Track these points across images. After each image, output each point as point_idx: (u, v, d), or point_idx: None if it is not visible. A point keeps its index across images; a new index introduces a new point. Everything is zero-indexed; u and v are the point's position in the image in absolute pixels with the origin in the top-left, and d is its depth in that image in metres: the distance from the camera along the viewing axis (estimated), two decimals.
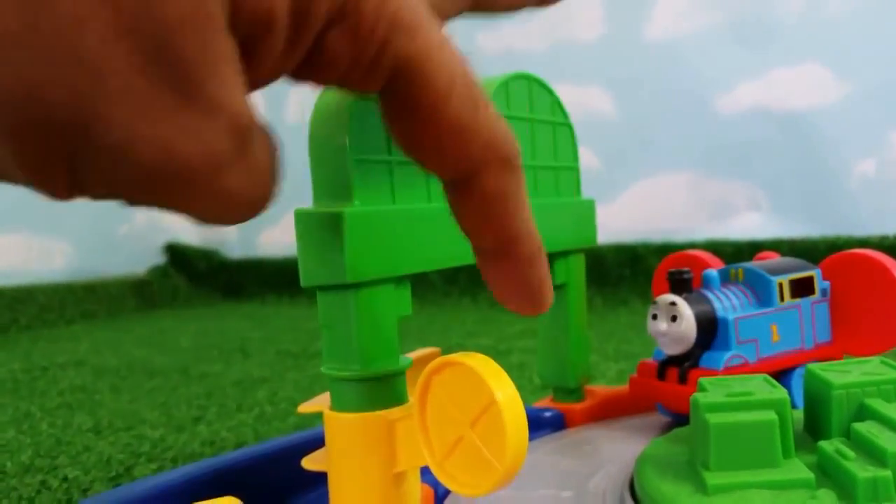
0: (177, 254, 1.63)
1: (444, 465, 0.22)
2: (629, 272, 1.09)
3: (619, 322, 0.90)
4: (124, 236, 1.60)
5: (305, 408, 0.28)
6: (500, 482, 0.21)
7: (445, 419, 0.22)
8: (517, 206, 0.19)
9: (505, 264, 0.20)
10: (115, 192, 0.13)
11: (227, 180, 0.13)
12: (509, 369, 0.73)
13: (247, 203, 0.14)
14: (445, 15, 0.19)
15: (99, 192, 0.13)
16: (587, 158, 1.18)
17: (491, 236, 0.19)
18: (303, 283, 0.25)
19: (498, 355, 0.74)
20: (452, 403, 0.21)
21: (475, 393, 0.21)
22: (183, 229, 1.65)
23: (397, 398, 0.26)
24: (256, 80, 0.14)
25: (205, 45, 0.12)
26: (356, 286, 0.25)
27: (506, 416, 0.20)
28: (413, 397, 0.23)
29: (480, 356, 0.21)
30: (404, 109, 0.16)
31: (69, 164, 0.12)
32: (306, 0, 0.14)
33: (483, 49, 1.27)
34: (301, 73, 0.15)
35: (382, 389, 0.25)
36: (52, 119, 0.11)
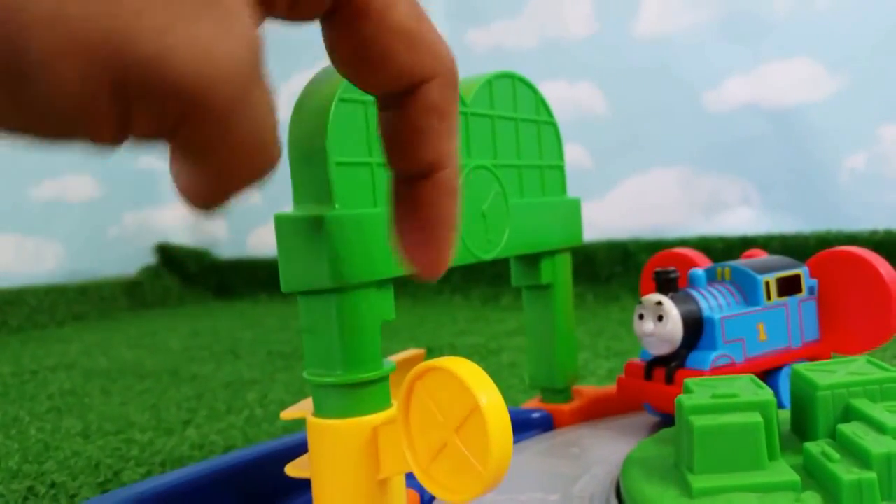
0: (168, 254, 1.62)
1: (428, 470, 0.22)
2: (620, 269, 1.09)
3: (610, 319, 0.90)
4: (115, 237, 1.59)
5: (288, 414, 0.27)
6: (485, 487, 0.20)
7: (430, 425, 0.21)
8: (453, 127, 0.18)
9: (426, 192, 0.19)
10: (158, 122, 0.13)
11: (245, 114, 0.13)
12: (500, 368, 0.72)
13: (256, 154, 0.14)
14: None
15: (143, 124, 0.13)
16: (578, 155, 1.18)
17: (423, 155, 0.18)
18: (283, 288, 0.25)
19: (489, 354, 0.74)
20: (437, 408, 0.21)
21: (459, 398, 0.20)
22: (173, 230, 1.64)
23: (380, 403, 0.25)
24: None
25: None
26: (338, 290, 0.24)
27: (489, 422, 0.20)
28: (397, 402, 0.22)
29: (464, 360, 0.21)
30: (351, 23, 0.16)
31: (113, 94, 0.12)
32: None
33: (472, 46, 1.26)
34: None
35: (365, 394, 0.25)
36: (87, 43, 0.11)
